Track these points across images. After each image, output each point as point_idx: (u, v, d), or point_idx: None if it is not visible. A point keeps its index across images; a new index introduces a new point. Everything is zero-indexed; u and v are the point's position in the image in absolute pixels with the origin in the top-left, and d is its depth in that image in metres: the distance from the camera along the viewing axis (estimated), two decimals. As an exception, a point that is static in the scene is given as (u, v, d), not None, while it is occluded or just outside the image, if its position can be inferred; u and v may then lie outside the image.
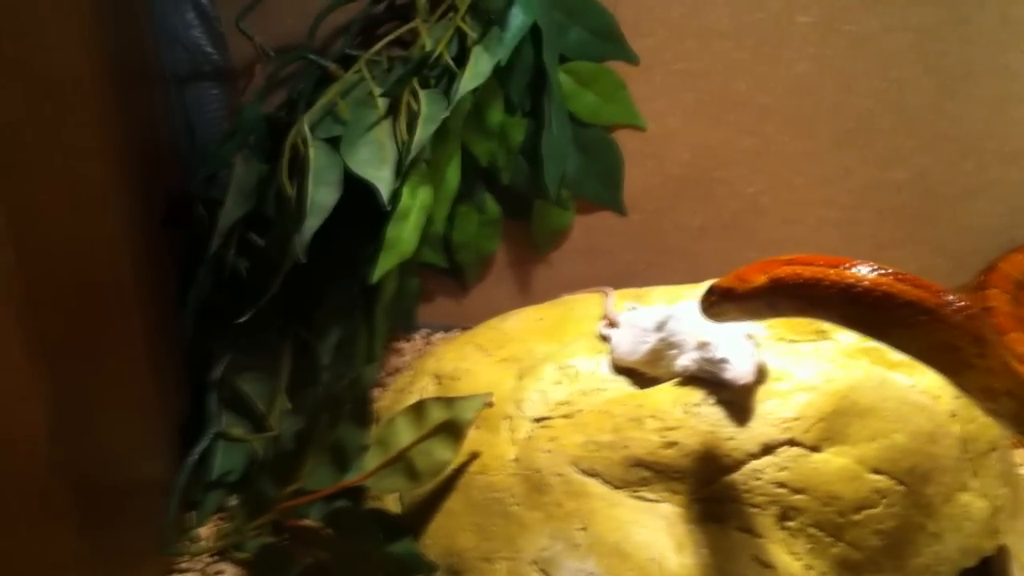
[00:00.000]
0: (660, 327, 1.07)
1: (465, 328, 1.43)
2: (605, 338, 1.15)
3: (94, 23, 1.13)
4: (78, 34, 1.08)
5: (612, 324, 1.17)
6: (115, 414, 1.11)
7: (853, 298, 0.84)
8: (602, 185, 1.49)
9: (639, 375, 1.09)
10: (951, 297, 0.82)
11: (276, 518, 1.17)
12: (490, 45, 1.26)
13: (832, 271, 0.85)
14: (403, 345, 1.57)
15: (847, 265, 0.85)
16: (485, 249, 1.53)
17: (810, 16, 1.39)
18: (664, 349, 1.06)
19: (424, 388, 1.23)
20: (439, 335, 1.61)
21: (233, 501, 1.32)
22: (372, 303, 1.35)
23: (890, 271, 0.84)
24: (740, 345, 1.01)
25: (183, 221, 1.36)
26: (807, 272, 0.86)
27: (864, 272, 0.84)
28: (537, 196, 1.48)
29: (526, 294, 1.57)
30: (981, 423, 1.03)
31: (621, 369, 1.10)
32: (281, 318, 1.36)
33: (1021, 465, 1.16)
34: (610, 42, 1.41)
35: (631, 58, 1.43)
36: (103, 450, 1.05)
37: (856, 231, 1.49)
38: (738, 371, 0.99)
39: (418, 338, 1.60)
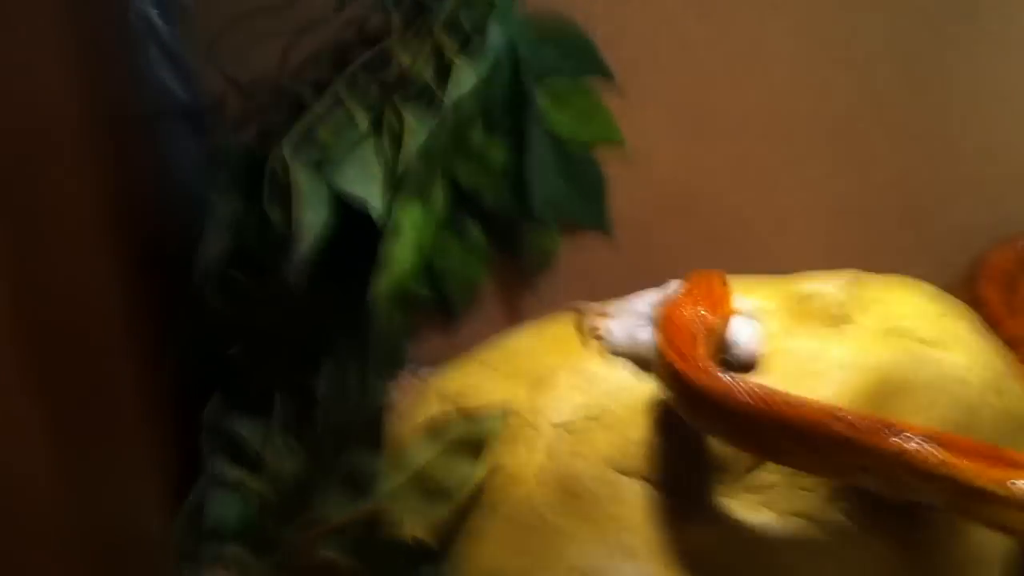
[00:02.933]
0: (656, 310, 1.05)
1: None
2: (598, 332, 1.12)
3: (80, 65, 1.10)
4: (64, 77, 1.05)
5: (602, 315, 1.14)
6: (109, 465, 1.07)
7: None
8: (586, 205, 1.48)
9: (642, 362, 1.06)
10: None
11: (289, 558, 1.12)
12: (472, 55, 1.24)
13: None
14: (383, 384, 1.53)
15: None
16: (471, 278, 1.50)
17: (783, 22, 1.40)
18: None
19: (430, 410, 1.19)
20: (427, 371, 1.56)
21: (231, 547, 1.27)
22: (368, 330, 1.31)
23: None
24: (745, 327, 1.00)
25: (164, 261, 1.31)
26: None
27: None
28: (522, 219, 1.45)
29: (515, 322, 1.53)
30: (1013, 396, 1.03)
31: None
32: (272, 354, 1.32)
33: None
34: (586, 58, 1.40)
35: (607, 74, 1.42)
36: (98, 501, 1.01)
37: (840, 236, 1.50)
38: (741, 350, 0.98)
39: (407, 375, 1.56)
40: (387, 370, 1.50)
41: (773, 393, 0.84)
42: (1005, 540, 0.97)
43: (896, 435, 0.79)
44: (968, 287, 1.41)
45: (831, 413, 0.81)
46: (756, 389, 0.84)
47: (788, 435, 0.82)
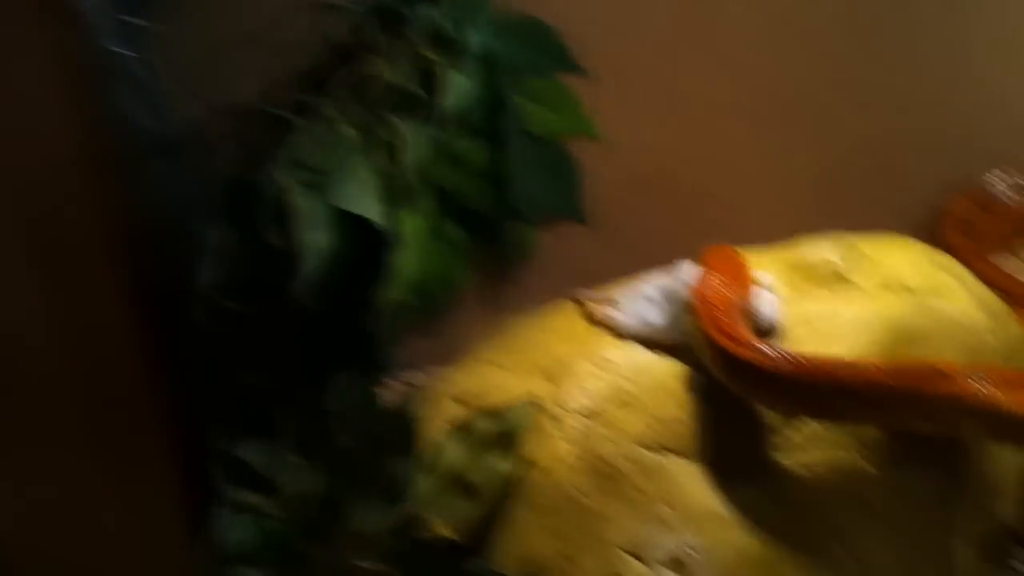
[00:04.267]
0: (669, 293, 1.08)
1: (442, 365, 1.41)
2: (606, 318, 1.15)
3: (69, 105, 1.10)
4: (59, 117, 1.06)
5: (608, 302, 1.17)
6: (122, 502, 1.08)
7: None
8: (562, 198, 1.50)
9: (652, 344, 1.10)
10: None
11: (323, 573, 1.13)
12: (460, 65, 1.27)
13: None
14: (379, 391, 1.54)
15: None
16: (455, 279, 1.52)
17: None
18: (682, 313, 1.07)
19: (447, 413, 1.21)
20: (415, 375, 1.58)
21: (253, 572, 1.28)
22: (367, 344, 1.33)
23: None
24: (766, 297, 1.04)
25: (160, 295, 1.32)
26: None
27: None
28: (503, 218, 1.48)
29: (499, 320, 1.56)
30: (1012, 335, 1.09)
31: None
32: (274, 375, 1.33)
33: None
34: (555, 55, 1.43)
35: (576, 69, 1.45)
36: (114, 538, 1.02)
37: (807, 204, 1.54)
38: (764, 319, 1.01)
39: (394, 383, 1.58)
40: (384, 375, 1.52)
41: (823, 358, 0.89)
42: (1018, 456, 1.03)
43: (943, 378, 0.84)
44: (933, 237, 1.47)
45: (882, 369, 0.86)
46: (806, 356, 0.89)
47: (844, 395, 0.87)
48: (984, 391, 0.84)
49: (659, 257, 1.55)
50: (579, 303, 1.23)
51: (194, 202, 1.35)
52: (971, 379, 0.85)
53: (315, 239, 1.22)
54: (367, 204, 1.22)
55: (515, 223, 1.49)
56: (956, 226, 1.47)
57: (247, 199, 1.29)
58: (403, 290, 1.26)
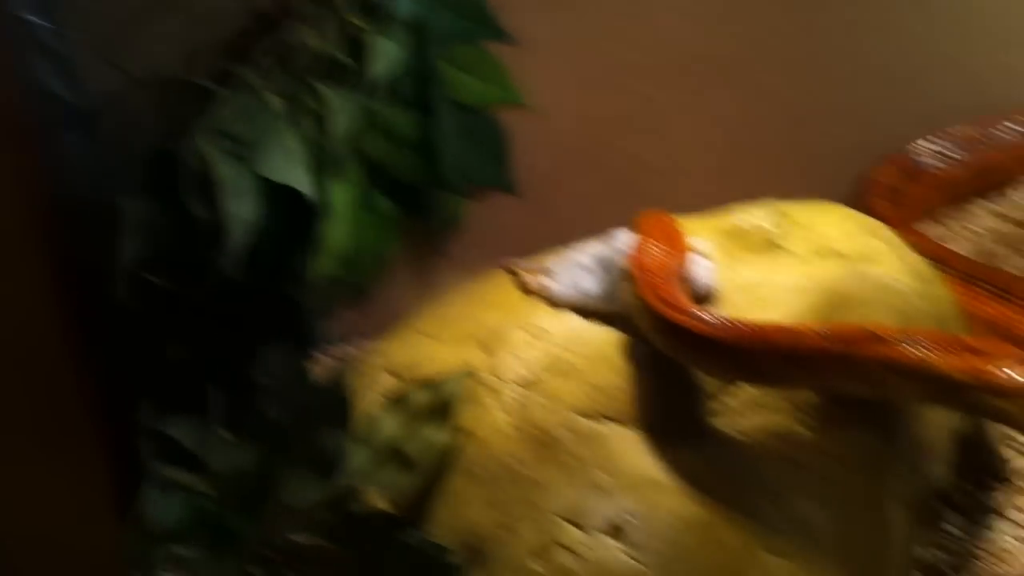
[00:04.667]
0: (604, 262, 1.08)
1: (373, 337, 1.40)
2: (541, 287, 1.15)
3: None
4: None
5: (541, 271, 1.16)
6: (46, 480, 1.05)
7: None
8: (491, 168, 1.49)
9: (586, 312, 1.09)
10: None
11: (256, 550, 1.11)
12: (387, 32, 1.25)
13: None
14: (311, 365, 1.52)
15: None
16: (384, 251, 1.50)
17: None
18: (619, 280, 1.06)
19: (381, 385, 1.19)
20: (346, 348, 1.57)
21: (182, 549, 1.26)
22: (297, 316, 1.31)
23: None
24: (702, 264, 1.04)
25: (80, 270, 1.28)
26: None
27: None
28: (432, 188, 1.46)
29: (429, 291, 1.54)
30: (941, 299, 1.10)
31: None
32: (201, 350, 1.30)
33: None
34: (482, 23, 1.41)
35: (504, 37, 1.44)
36: (38, 517, 1.00)
37: (735, 171, 1.56)
38: (699, 285, 1.02)
39: (325, 356, 1.56)
40: (313, 349, 1.50)
41: (760, 323, 0.89)
42: (952, 419, 1.05)
43: (878, 341, 0.84)
44: (859, 204, 1.48)
45: (817, 333, 0.86)
46: (744, 322, 0.89)
47: (781, 360, 0.87)
48: (917, 354, 0.84)
49: (591, 226, 1.54)
50: (513, 273, 1.22)
51: (114, 175, 1.32)
52: (904, 342, 0.86)
53: (241, 210, 1.19)
54: (294, 174, 1.20)
55: (445, 194, 1.48)
56: (881, 194, 1.49)
57: (169, 171, 1.26)
58: (332, 262, 1.24)
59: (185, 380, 1.31)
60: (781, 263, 1.07)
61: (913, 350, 0.84)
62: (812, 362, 0.87)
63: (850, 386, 0.89)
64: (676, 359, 0.95)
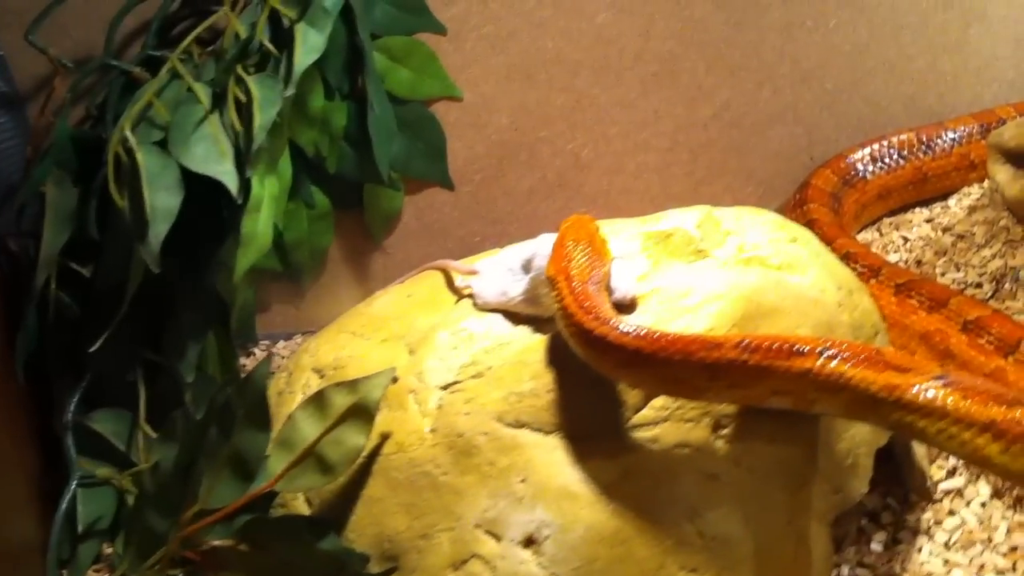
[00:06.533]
0: (528, 265, 1.07)
1: (308, 333, 1.38)
2: (469, 290, 1.13)
3: None
4: None
5: (470, 273, 1.15)
6: None
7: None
8: (427, 161, 1.48)
9: (512, 316, 1.08)
10: None
11: (176, 550, 1.10)
12: (314, 21, 1.22)
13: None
14: (244, 362, 1.50)
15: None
16: (319, 245, 1.49)
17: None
18: (541, 286, 1.05)
19: (307, 385, 1.17)
20: (280, 344, 1.55)
21: (109, 549, 1.24)
22: (225, 311, 1.29)
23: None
24: (625, 270, 1.03)
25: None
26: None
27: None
28: (366, 181, 1.45)
29: (365, 286, 1.53)
30: (863, 310, 1.10)
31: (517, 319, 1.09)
32: (128, 344, 1.28)
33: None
34: (416, 14, 1.40)
35: (439, 28, 1.42)
36: None
37: (672, 171, 1.55)
38: (622, 292, 1.01)
39: (258, 352, 1.54)
40: (241, 344, 1.48)
41: (679, 335, 0.88)
42: (876, 435, 1.04)
43: (797, 354, 0.84)
44: (797, 210, 1.48)
45: (737, 345, 0.85)
46: (663, 333, 0.88)
47: (699, 372, 0.86)
48: (836, 367, 0.84)
49: (528, 223, 1.54)
50: (443, 272, 1.20)
51: (34, 161, 1.29)
52: (824, 355, 0.85)
53: (165, 201, 1.17)
54: (220, 167, 1.18)
55: (381, 188, 1.46)
56: (820, 200, 1.49)
57: (90, 158, 1.24)
58: (257, 255, 1.22)
59: (111, 373, 1.29)
60: (707, 270, 1.06)
61: (832, 363, 0.83)
62: (731, 374, 0.86)
63: (770, 399, 0.88)
64: (594, 368, 0.94)
